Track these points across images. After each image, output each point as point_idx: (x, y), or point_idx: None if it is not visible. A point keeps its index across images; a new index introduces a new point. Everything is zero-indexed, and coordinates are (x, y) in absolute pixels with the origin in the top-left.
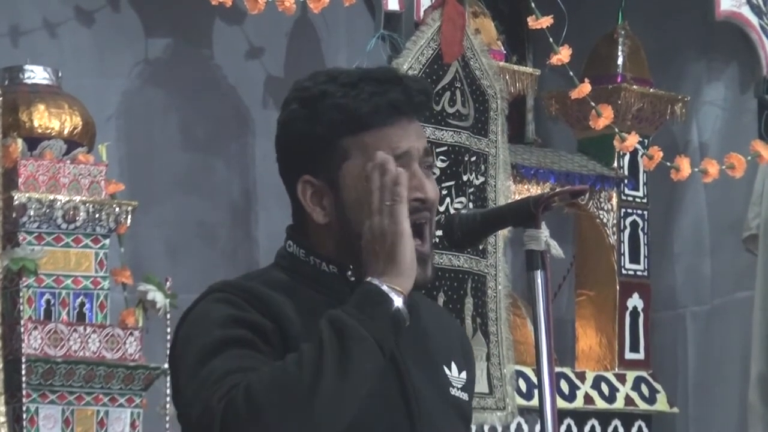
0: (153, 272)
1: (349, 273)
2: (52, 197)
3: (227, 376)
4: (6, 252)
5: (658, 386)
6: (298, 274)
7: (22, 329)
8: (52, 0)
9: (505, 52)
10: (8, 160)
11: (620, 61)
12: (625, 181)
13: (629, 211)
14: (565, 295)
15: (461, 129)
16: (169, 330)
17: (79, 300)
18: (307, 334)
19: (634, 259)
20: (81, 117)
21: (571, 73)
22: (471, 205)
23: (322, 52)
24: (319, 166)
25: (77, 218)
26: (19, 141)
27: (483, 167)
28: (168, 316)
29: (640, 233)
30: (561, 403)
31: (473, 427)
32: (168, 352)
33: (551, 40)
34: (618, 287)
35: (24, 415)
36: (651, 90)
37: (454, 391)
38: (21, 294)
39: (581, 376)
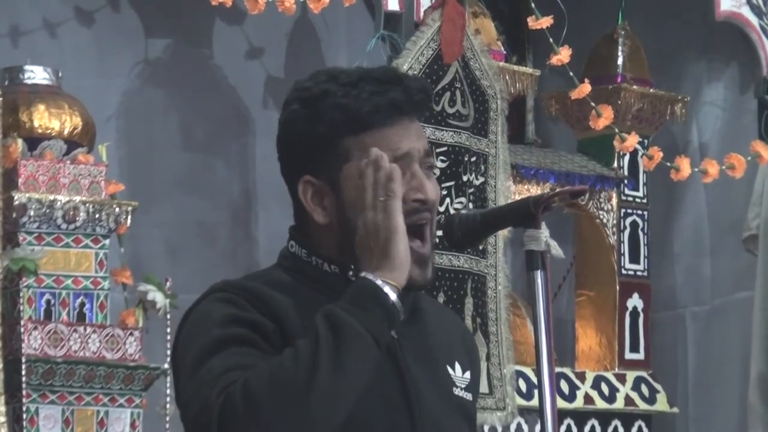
0: (153, 272)
1: (351, 273)
2: (52, 197)
3: (225, 374)
4: (6, 252)
5: (658, 386)
6: (301, 275)
7: (22, 329)
8: (52, 0)
9: (505, 52)
10: (8, 160)
11: (620, 61)
12: (625, 181)
13: (629, 211)
14: (565, 296)
15: (461, 129)
16: (169, 330)
17: (79, 300)
18: (307, 334)
19: (634, 259)
20: (81, 117)
21: (571, 74)
22: (471, 205)
23: (322, 52)
24: (319, 166)
25: (77, 218)
26: (19, 141)
27: (483, 167)
28: (168, 316)
29: (640, 233)
30: (561, 404)
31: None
32: (168, 352)
33: (551, 40)
34: (618, 287)
35: (24, 416)
36: (651, 90)
37: (457, 391)
38: (21, 294)
39: (581, 377)
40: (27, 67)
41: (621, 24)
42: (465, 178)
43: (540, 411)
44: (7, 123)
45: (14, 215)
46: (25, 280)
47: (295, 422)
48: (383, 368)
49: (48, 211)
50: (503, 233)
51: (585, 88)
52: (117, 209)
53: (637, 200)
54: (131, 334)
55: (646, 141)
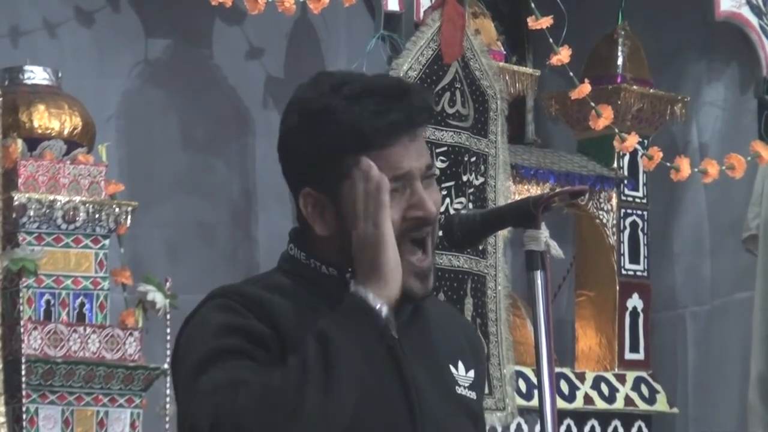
0: (153, 273)
1: (348, 275)
2: (52, 198)
3: (216, 392)
4: (6, 252)
5: (658, 386)
6: (300, 278)
7: (22, 330)
8: (52, 0)
9: (504, 52)
10: (8, 160)
11: (620, 61)
12: (625, 181)
13: (629, 211)
14: (565, 296)
15: (461, 129)
16: (169, 330)
17: (78, 300)
18: (302, 341)
19: (634, 259)
20: (81, 117)
21: (571, 74)
22: (471, 205)
23: (321, 52)
24: (320, 180)
25: (77, 219)
26: (19, 141)
27: (483, 167)
28: (168, 316)
29: (640, 233)
30: (561, 404)
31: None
32: (168, 352)
33: (551, 40)
34: (618, 287)
35: (24, 416)
36: (651, 90)
37: (460, 390)
38: (21, 294)
39: (581, 377)
40: (27, 67)
41: (621, 24)
42: (465, 178)
43: (540, 411)
44: (7, 123)
45: (14, 215)
46: (25, 280)
47: None
48: (383, 369)
49: (48, 211)
50: (503, 233)
51: (585, 89)
52: (117, 209)
53: (637, 200)
54: (131, 334)
55: (646, 141)
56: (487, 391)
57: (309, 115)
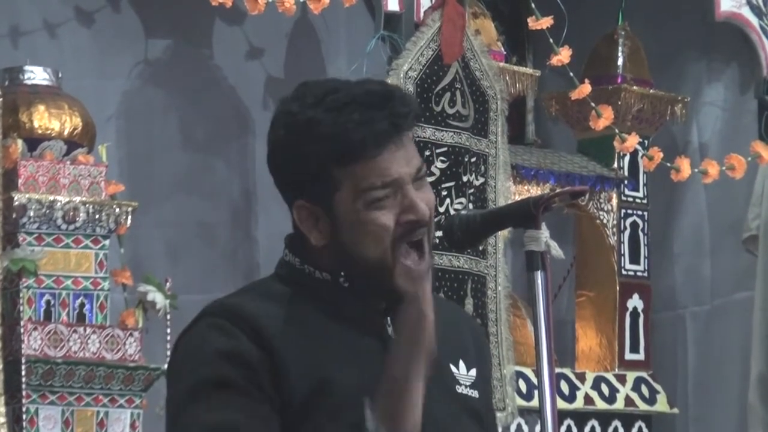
0: (153, 273)
1: (342, 279)
2: (52, 198)
3: None
4: (6, 253)
5: (658, 387)
6: (295, 284)
7: (22, 330)
8: (52, 0)
9: (505, 52)
10: (8, 160)
11: (620, 61)
12: (625, 181)
13: (629, 211)
14: (565, 296)
15: (461, 130)
16: (169, 331)
17: (79, 301)
18: (297, 347)
19: (634, 259)
20: (81, 118)
21: (571, 74)
22: (471, 205)
23: (322, 53)
24: (311, 192)
25: (77, 219)
26: (19, 142)
27: (483, 168)
28: (168, 316)
29: (640, 234)
30: (561, 404)
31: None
32: (168, 353)
33: (551, 40)
34: (618, 288)
35: (24, 416)
36: (651, 91)
37: (460, 389)
38: (21, 295)
39: (581, 377)
40: (27, 68)
41: (621, 24)
42: (465, 179)
43: (540, 411)
44: (7, 123)
45: (14, 216)
46: (25, 280)
47: None
48: (379, 368)
49: (48, 211)
50: (503, 234)
51: (585, 89)
52: (117, 210)
53: (637, 201)
54: (131, 334)
55: (646, 141)
56: None
57: (294, 130)
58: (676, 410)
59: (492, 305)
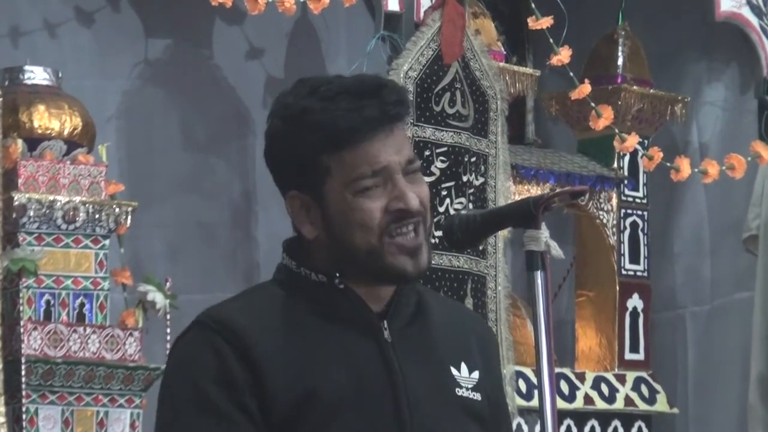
0: (153, 273)
1: (337, 281)
2: (52, 198)
3: None
4: (6, 253)
5: (658, 387)
6: (293, 287)
7: (22, 330)
8: (52, 0)
9: (505, 52)
10: (8, 160)
11: (620, 61)
12: (625, 181)
13: (629, 211)
14: (565, 296)
15: (461, 130)
16: (169, 331)
17: (78, 301)
18: (285, 360)
19: (634, 259)
20: (81, 117)
21: (571, 74)
22: (471, 205)
23: (322, 52)
24: (303, 182)
25: (77, 219)
26: (19, 141)
27: (483, 168)
28: (168, 316)
29: (640, 234)
30: (561, 404)
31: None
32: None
33: (551, 40)
34: (618, 288)
35: (24, 416)
36: (651, 91)
37: (461, 392)
38: (21, 295)
39: (581, 377)
40: (27, 68)
41: (621, 24)
42: (465, 179)
43: (540, 411)
44: (7, 123)
45: (14, 216)
46: (25, 280)
47: None
48: (372, 371)
49: (48, 211)
50: (503, 234)
51: (585, 89)
52: (117, 209)
53: (637, 200)
54: (131, 334)
55: (646, 141)
56: None
57: (288, 119)
58: (675, 410)
59: (492, 305)
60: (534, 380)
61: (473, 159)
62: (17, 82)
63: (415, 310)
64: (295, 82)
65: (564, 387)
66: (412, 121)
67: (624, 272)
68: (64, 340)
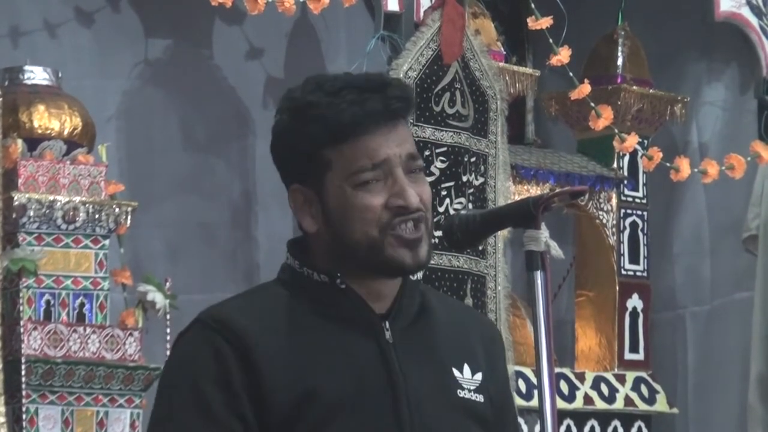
0: (153, 273)
1: (338, 281)
2: (51, 198)
3: None
4: (6, 252)
5: (657, 387)
6: (295, 287)
7: (22, 330)
8: (52, 0)
9: (504, 52)
10: (8, 160)
11: (620, 61)
12: (625, 181)
13: (629, 211)
14: (565, 296)
15: (461, 130)
16: (168, 331)
17: (78, 300)
18: (285, 360)
19: (634, 259)
20: (81, 118)
21: (570, 74)
22: (470, 205)
23: (321, 52)
24: (305, 175)
25: (77, 219)
26: (19, 141)
27: (483, 168)
28: (168, 316)
29: (640, 234)
30: (560, 404)
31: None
32: (168, 353)
33: (551, 40)
34: (618, 288)
35: (24, 416)
36: (651, 91)
37: (463, 393)
38: (21, 294)
39: (581, 377)
40: (27, 68)
41: (621, 24)
42: (465, 179)
43: (540, 411)
44: (7, 123)
45: (14, 216)
46: (25, 280)
47: None
48: (372, 376)
49: (48, 211)
50: (503, 234)
51: (585, 89)
52: (117, 209)
53: (637, 201)
54: (131, 334)
55: (645, 141)
56: None
57: (293, 113)
58: (675, 410)
59: (492, 305)
60: (534, 380)
61: (473, 159)
62: (17, 82)
63: (418, 311)
64: (305, 79)
65: (564, 387)
66: (411, 121)
67: (624, 272)
68: (64, 340)
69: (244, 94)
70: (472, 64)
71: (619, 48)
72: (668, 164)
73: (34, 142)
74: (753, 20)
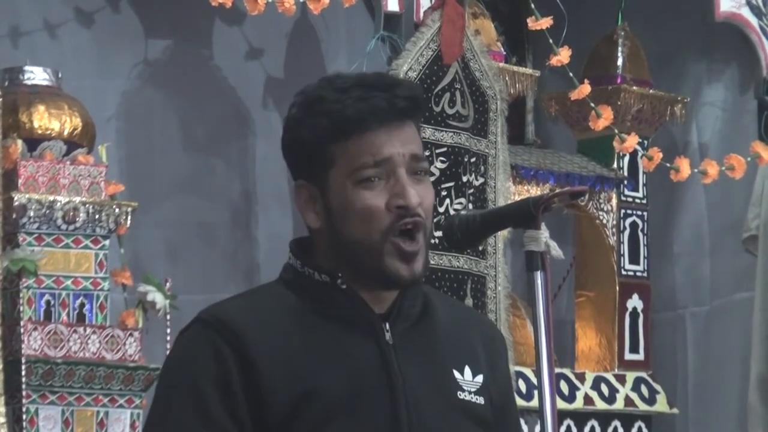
0: (153, 273)
1: (339, 281)
2: (52, 198)
3: None
4: (6, 253)
5: (657, 387)
6: (297, 287)
7: (22, 330)
8: (52, 0)
9: (504, 53)
10: (8, 161)
11: (620, 62)
12: (625, 182)
13: (629, 212)
14: (565, 296)
15: (461, 130)
16: (169, 331)
17: (78, 301)
18: (284, 360)
19: (634, 259)
20: (81, 118)
21: (570, 74)
22: (471, 206)
23: (321, 53)
24: (310, 171)
25: (77, 219)
26: (19, 142)
27: (483, 168)
28: (168, 317)
29: (640, 234)
30: (561, 404)
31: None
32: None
33: (551, 41)
34: (618, 288)
35: (24, 416)
36: (651, 91)
37: (463, 395)
38: (21, 295)
39: (581, 377)
40: (27, 68)
41: (621, 25)
42: (465, 179)
43: (540, 412)
44: (7, 123)
45: (14, 216)
46: (25, 280)
47: None
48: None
49: (48, 211)
50: (503, 234)
51: (585, 89)
52: (117, 210)
53: (637, 201)
54: (131, 334)
55: (645, 142)
56: None
57: (303, 107)
58: (675, 410)
59: (492, 305)
60: (534, 381)
61: (473, 159)
62: (17, 83)
63: (421, 312)
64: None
65: (564, 387)
66: None
67: (624, 272)
68: (64, 341)
69: (244, 94)
70: (472, 64)
71: (619, 48)
72: (668, 164)
73: (34, 142)
74: (753, 20)
